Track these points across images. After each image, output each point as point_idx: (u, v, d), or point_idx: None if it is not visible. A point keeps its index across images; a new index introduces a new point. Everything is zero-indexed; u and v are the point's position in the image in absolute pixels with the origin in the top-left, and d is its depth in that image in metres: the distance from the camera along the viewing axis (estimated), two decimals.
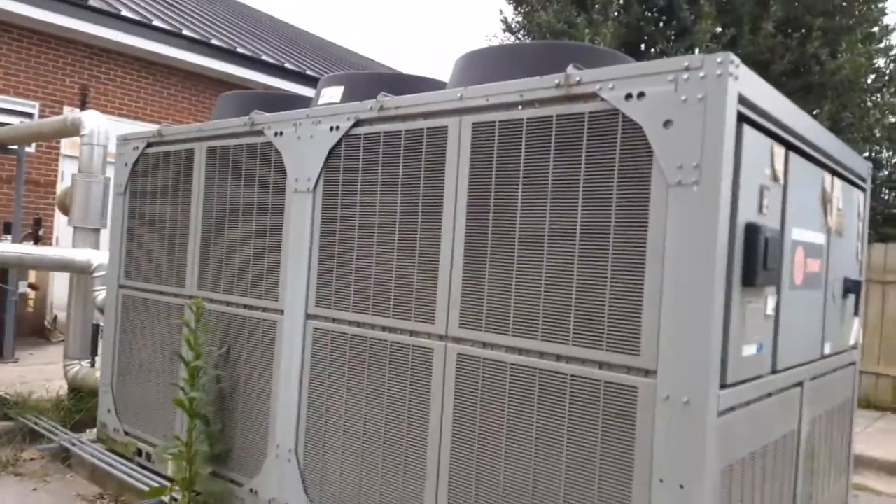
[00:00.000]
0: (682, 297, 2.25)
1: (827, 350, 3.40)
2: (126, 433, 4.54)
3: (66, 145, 9.99)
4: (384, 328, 3.13)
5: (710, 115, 2.24)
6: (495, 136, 2.78)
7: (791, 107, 2.79)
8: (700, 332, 2.21)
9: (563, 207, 2.57)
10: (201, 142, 4.18)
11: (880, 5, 11.36)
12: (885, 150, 13.16)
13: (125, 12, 10.31)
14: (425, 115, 3.04)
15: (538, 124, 2.66)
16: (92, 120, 6.20)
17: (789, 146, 2.83)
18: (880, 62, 12.00)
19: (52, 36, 9.81)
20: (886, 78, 12.13)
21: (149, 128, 4.97)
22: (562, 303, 2.55)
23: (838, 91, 10.70)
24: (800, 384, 3.04)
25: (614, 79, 2.46)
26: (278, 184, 3.66)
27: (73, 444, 4.69)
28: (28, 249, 6.05)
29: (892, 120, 12.48)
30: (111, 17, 10.07)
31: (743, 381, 2.47)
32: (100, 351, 5.48)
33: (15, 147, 8.37)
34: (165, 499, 3.77)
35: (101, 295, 5.49)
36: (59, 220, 9.66)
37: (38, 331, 9.44)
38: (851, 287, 3.69)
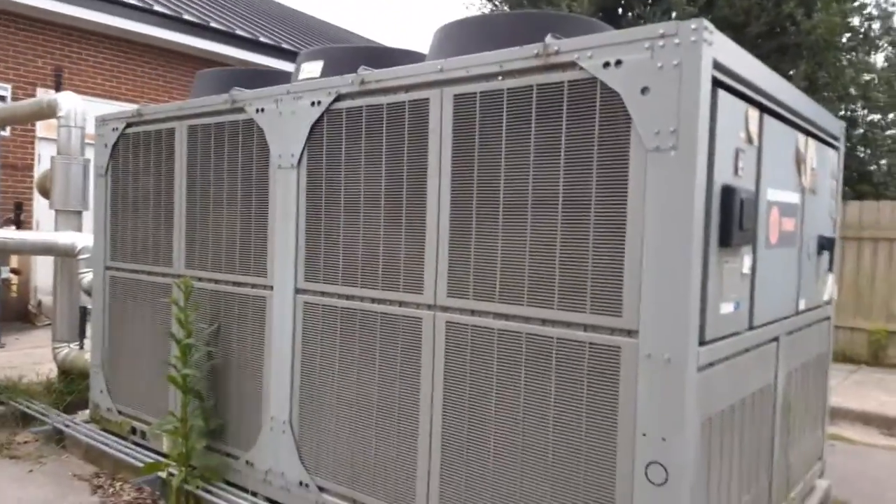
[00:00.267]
0: (661, 258, 2.33)
1: (802, 306, 3.51)
2: (119, 412, 4.60)
3: (42, 128, 9.86)
4: (373, 300, 3.19)
5: (686, 82, 2.30)
6: (476, 107, 2.83)
7: (765, 70, 2.86)
8: (679, 292, 2.29)
9: (545, 175, 2.63)
10: (182, 120, 4.18)
11: None
12: (860, 109, 13.32)
13: None
14: (406, 88, 3.08)
15: (518, 94, 2.71)
16: (68, 101, 6.12)
17: (763, 109, 2.90)
18: (854, 21, 12.08)
19: (23, 16, 9.63)
20: (861, 36, 12.22)
21: (124, 107, 4.95)
22: (546, 269, 2.62)
23: (814, 51, 10.77)
24: (776, 339, 3.15)
25: (592, 47, 2.50)
26: (262, 160, 3.68)
27: (67, 426, 4.74)
28: (10, 234, 6.02)
29: (867, 78, 12.61)
30: None
31: (721, 338, 2.56)
32: (88, 333, 5.51)
33: None
34: (162, 474, 3.84)
35: (86, 277, 5.49)
36: (38, 204, 9.57)
37: (22, 315, 9.41)
38: (825, 244, 3.80)
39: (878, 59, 14.19)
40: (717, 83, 2.45)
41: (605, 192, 2.48)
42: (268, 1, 17.80)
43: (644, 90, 2.38)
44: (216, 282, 3.94)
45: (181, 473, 3.67)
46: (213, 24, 11.62)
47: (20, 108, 7.01)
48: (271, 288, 3.61)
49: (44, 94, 8.87)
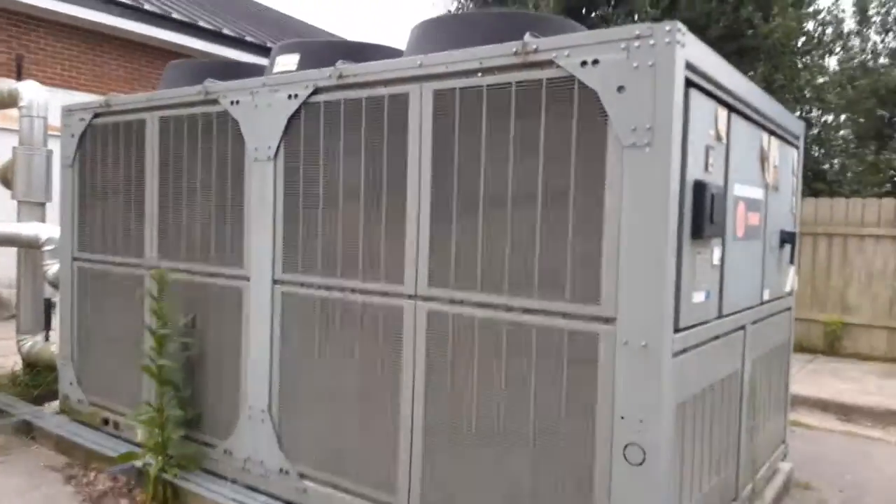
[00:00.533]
0: (637, 249, 2.43)
1: (766, 296, 3.67)
2: (91, 403, 4.56)
3: None
4: (353, 290, 3.24)
5: (660, 81, 2.40)
6: (456, 102, 2.89)
7: (733, 71, 2.98)
8: (655, 282, 2.40)
9: (525, 169, 2.71)
10: (153, 111, 4.16)
11: None
12: (814, 110, 13.75)
13: None
14: (385, 83, 3.12)
15: (497, 90, 2.78)
16: (30, 91, 6.00)
17: (731, 108, 3.03)
18: (809, 25, 12.46)
19: None
20: (815, 41, 12.61)
21: (83, 98, 4.89)
22: (526, 259, 2.70)
23: (771, 54, 11.10)
24: (743, 328, 3.30)
25: (570, 46, 2.59)
26: (237, 152, 3.69)
27: (37, 417, 4.68)
28: None
29: (821, 81, 13.03)
30: None
31: (693, 326, 2.69)
32: (54, 325, 5.43)
33: None
34: (138, 463, 3.83)
35: (52, 269, 5.41)
36: None
37: None
38: (787, 238, 3.96)
39: (832, 63, 14.69)
40: (689, 83, 2.56)
41: (583, 186, 2.57)
42: None
43: (620, 89, 2.48)
44: (190, 272, 3.94)
45: (158, 462, 3.67)
46: (174, 15, 11.45)
47: None
48: (248, 279, 3.63)
49: (4, 83, 8.65)
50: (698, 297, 2.71)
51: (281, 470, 3.48)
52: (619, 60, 2.48)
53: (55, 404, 4.91)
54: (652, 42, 2.42)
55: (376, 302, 3.15)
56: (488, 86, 2.81)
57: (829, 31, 14.09)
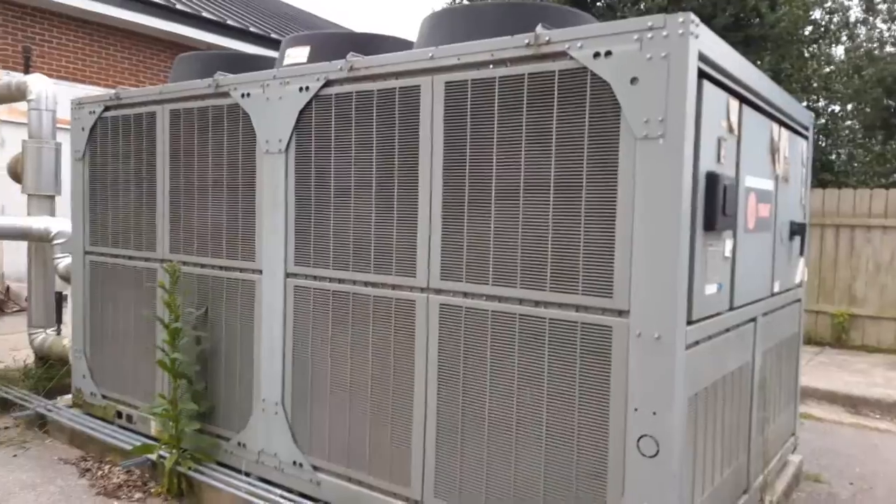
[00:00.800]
0: (650, 242, 2.44)
1: (776, 288, 3.67)
2: (104, 397, 4.59)
3: (3, 110, 9.63)
4: (366, 283, 3.25)
5: (674, 72, 2.40)
6: (468, 94, 2.90)
7: (743, 62, 2.98)
8: (668, 274, 2.40)
9: (537, 162, 2.71)
10: (163, 104, 4.17)
11: None
12: (821, 100, 13.70)
13: None
14: (397, 75, 3.13)
15: (510, 82, 2.78)
16: (38, 84, 6.01)
17: (742, 99, 3.02)
18: (816, 14, 12.40)
19: None
20: (822, 30, 12.55)
21: (90, 90, 4.90)
22: (539, 252, 2.71)
23: (778, 43, 11.05)
24: (753, 320, 3.30)
25: (583, 38, 2.58)
26: (248, 145, 3.70)
27: (50, 410, 4.72)
28: None
29: (828, 70, 12.97)
30: None
31: (706, 318, 2.69)
32: (66, 318, 5.46)
33: None
34: (152, 456, 3.86)
35: (62, 262, 5.44)
36: (5, 188, 9.37)
37: None
38: (797, 230, 3.96)
39: (839, 52, 14.62)
40: (701, 74, 2.55)
41: (596, 178, 2.58)
42: None
43: (633, 80, 2.48)
44: (202, 266, 3.96)
45: (173, 456, 3.70)
46: (178, 6, 11.45)
47: None
48: (260, 272, 3.64)
49: (8, 76, 8.66)
50: (710, 289, 2.71)
51: (295, 462, 3.50)
52: (633, 52, 2.47)
53: (67, 397, 4.95)
54: (665, 33, 2.42)
55: (388, 295, 3.16)
56: (500, 77, 2.81)
57: (836, 19, 14.02)
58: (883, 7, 15.24)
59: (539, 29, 2.70)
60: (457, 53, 2.92)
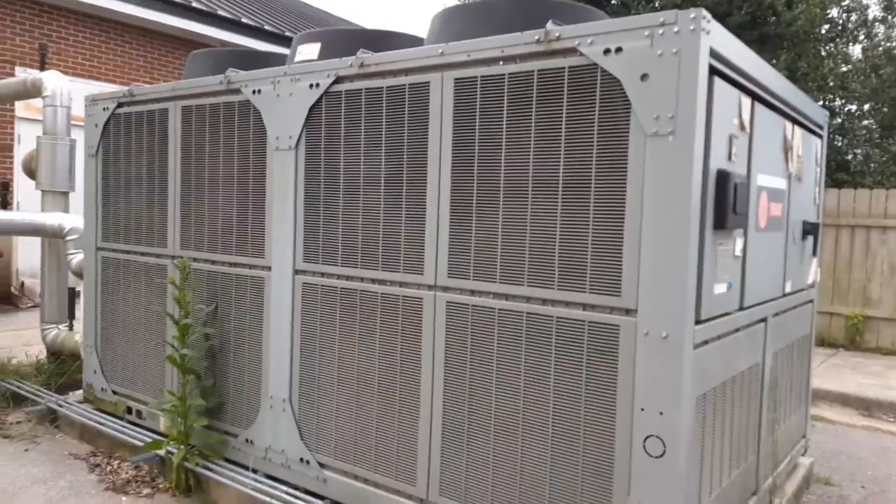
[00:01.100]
0: (659, 240, 2.41)
1: (788, 288, 3.63)
2: (114, 392, 4.62)
3: (21, 107, 9.73)
4: (374, 280, 3.25)
5: (685, 69, 2.38)
6: (477, 91, 2.88)
7: (757, 59, 2.94)
8: (677, 273, 2.38)
9: (546, 159, 2.70)
10: (175, 101, 4.18)
11: None
12: (837, 99, 13.56)
13: None
14: (407, 72, 3.12)
15: (519, 79, 2.76)
16: (53, 80, 6.07)
17: (755, 97, 2.99)
18: (833, 12, 12.27)
19: None
20: (839, 28, 12.42)
21: (104, 87, 4.93)
22: (547, 250, 2.69)
23: (794, 41, 10.95)
24: (764, 320, 3.27)
25: (593, 34, 2.56)
26: (258, 142, 3.70)
27: (61, 406, 4.75)
28: None
29: (845, 69, 12.84)
30: None
31: (715, 318, 2.66)
32: (78, 314, 5.50)
33: None
34: (161, 452, 3.88)
35: (75, 258, 5.48)
36: (20, 185, 9.47)
37: (4, 298, 9.33)
38: (810, 229, 3.92)
39: (856, 51, 14.46)
40: (713, 71, 2.53)
41: (605, 176, 2.55)
42: None
43: (644, 77, 2.45)
44: (212, 262, 3.97)
45: (181, 451, 3.72)
46: (194, 4, 11.51)
47: (3, 86, 6.91)
48: (269, 269, 3.65)
49: (24, 73, 8.74)
50: (720, 288, 2.68)
51: (302, 460, 3.51)
52: (643, 48, 2.45)
53: (79, 393, 4.99)
54: (676, 29, 2.39)
55: (396, 292, 3.16)
56: (510, 74, 2.79)
57: (854, 18, 13.86)
58: None
59: (549, 25, 2.68)
60: (466, 50, 2.91)
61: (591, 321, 2.58)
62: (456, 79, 2.95)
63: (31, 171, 6.28)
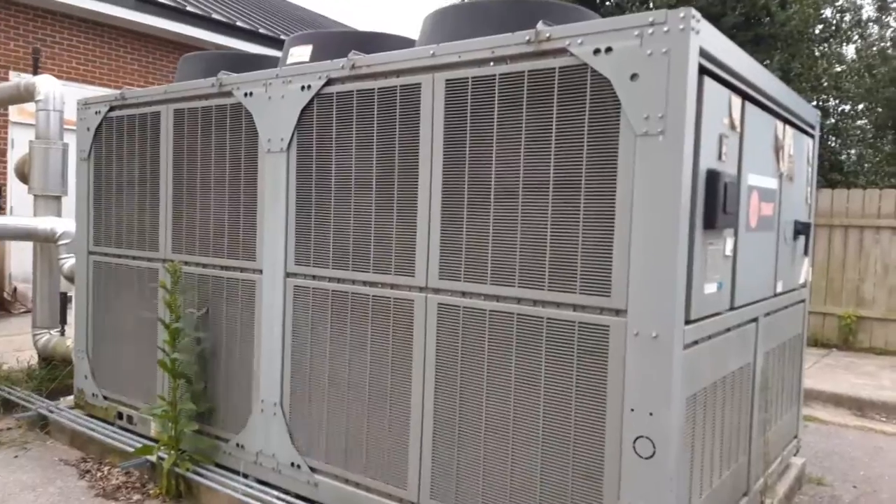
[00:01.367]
0: (649, 240, 2.41)
1: (779, 288, 3.63)
2: (105, 398, 4.59)
3: (14, 112, 9.70)
4: (365, 283, 3.24)
5: (674, 69, 2.37)
6: (468, 92, 2.87)
7: (747, 59, 2.94)
8: (667, 273, 2.37)
9: (537, 159, 2.69)
10: (167, 104, 4.17)
11: None
12: (831, 99, 13.58)
13: None
14: (398, 73, 3.11)
15: (510, 80, 2.76)
16: (46, 85, 6.04)
17: (745, 96, 2.99)
18: (827, 13, 12.30)
19: None
20: (833, 28, 12.45)
21: (99, 91, 4.91)
22: (537, 251, 2.69)
23: (788, 42, 10.97)
24: (755, 320, 3.26)
25: (583, 34, 2.56)
26: (250, 144, 3.69)
27: (52, 411, 4.72)
28: None
29: (839, 69, 12.87)
30: None
31: (705, 318, 2.66)
32: (70, 319, 5.47)
33: None
34: (151, 458, 3.86)
35: (67, 263, 5.46)
36: (13, 189, 9.44)
37: None
38: (801, 229, 3.91)
39: (850, 51, 14.50)
40: (703, 70, 2.52)
41: (595, 176, 2.55)
42: None
43: (633, 76, 2.45)
44: (204, 266, 3.95)
45: (171, 457, 3.70)
46: (189, 8, 11.49)
47: None
48: (260, 272, 3.63)
49: (18, 78, 8.71)
50: (710, 288, 2.68)
51: (293, 464, 3.49)
52: (633, 48, 2.45)
53: (70, 398, 4.96)
54: (666, 29, 2.39)
55: (387, 294, 3.14)
56: (500, 75, 2.78)
57: (848, 18, 13.89)
58: None
59: (540, 25, 2.68)
60: (458, 51, 2.90)
61: (582, 322, 2.57)
62: (447, 80, 2.94)
63: (23, 176, 6.25)
